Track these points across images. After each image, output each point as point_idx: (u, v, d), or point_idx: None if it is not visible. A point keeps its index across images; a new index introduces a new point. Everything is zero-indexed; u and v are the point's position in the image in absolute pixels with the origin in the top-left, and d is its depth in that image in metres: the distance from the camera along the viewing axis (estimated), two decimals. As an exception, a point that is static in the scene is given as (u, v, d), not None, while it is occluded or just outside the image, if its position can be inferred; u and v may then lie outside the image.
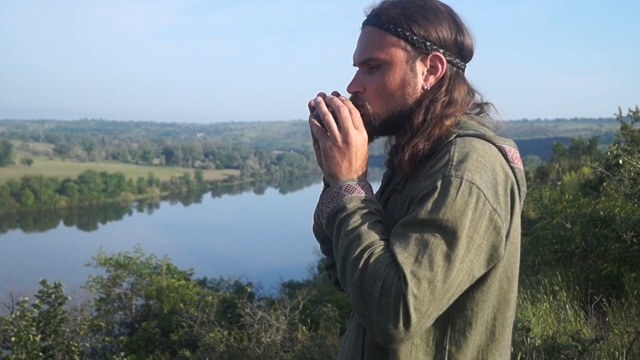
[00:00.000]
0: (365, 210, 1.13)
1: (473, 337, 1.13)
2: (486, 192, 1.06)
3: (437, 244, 1.02)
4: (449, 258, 1.01)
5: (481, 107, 1.27)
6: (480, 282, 1.10)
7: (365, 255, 1.05)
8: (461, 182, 1.05)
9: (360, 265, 1.04)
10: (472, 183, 1.05)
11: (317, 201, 1.35)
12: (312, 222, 1.39)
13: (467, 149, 1.09)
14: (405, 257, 1.01)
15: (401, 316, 0.98)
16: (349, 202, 1.13)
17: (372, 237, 1.08)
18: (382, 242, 1.07)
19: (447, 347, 1.12)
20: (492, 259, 1.07)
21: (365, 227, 1.09)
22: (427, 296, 0.99)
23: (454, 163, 1.07)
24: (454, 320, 1.12)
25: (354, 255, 1.06)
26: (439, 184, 1.06)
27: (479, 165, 1.07)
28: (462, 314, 1.12)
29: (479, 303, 1.12)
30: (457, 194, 1.04)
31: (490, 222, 1.05)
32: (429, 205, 1.05)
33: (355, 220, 1.11)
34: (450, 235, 1.02)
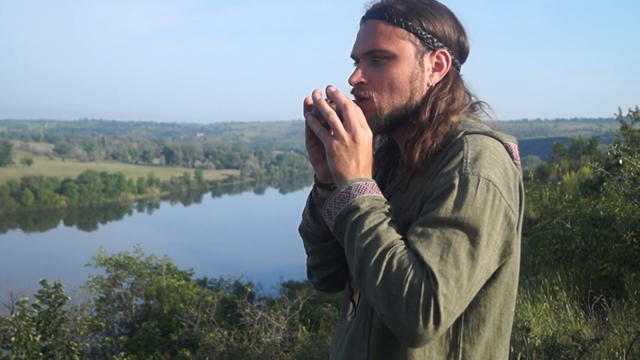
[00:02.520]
0: (380, 210, 1.11)
1: (485, 334, 1.13)
2: (501, 189, 1.06)
3: (460, 242, 1.02)
4: (472, 256, 1.01)
5: (473, 107, 1.27)
6: (492, 278, 1.11)
7: (388, 256, 1.03)
8: (479, 180, 1.05)
9: (383, 267, 1.02)
10: (489, 180, 1.06)
11: (307, 201, 1.33)
12: (303, 221, 1.36)
13: (479, 147, 1.10)
14: (430, 255, 1.01)
15: (431, 316, 0.97)
16: (362, 202, 1.11)
17: (391, 237, 1.06)
18: (402, 242, 1.06)
19: (461, 345, 1.12)
20: (505, 255, 1.08)
21: (382, 227, 1.07)
22: (454, 294, 0.99)
23: (469, 161, 1.07)
24: (467, 318, 1.12)
25: (375, 257, 1.04)
26: (456, 181, 1.06)
27: (492, 163, 1.08)
28: (476, 310, 1.12)
29: (491, 299, 1.12)
30: (476, 191, 1.04)
31: (505, 218, 1.06)
32: (450, 203, 1.04)
33: (371, 220, 1.08)
34: (472, 233, 1.02)
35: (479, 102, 1.28)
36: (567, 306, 4.76)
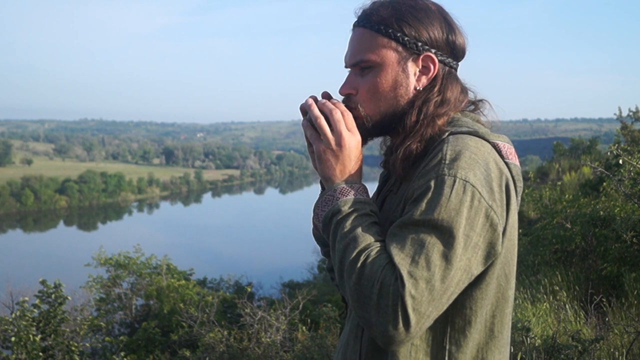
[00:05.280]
0: (360, 212, 1.12)
1: (473, 336, 1.12)
2: (481, 190, 1.05)
3: (434, 244, 1.01)
4: (446, 257, 1.01)
5: (475, 104, 1.26)
6: (478, 280, 1.10)
7: (362, 258, 1.04)
8: (455, 181, 1.04)
9: (357, 268, 1.04)
10: (466, 181, 1.05)
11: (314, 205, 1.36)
12: (312, 225, 1.40)
13: (459, 147, 1.09)
14: (401, 258, 1.01)
15: (400, 317, 0.98)
16: (344, 205, 1.13)
17: (368, 239, 1.07)
18: (379, 244, 1.07)
19: (447, 347, 1.12)
20: (490, 256, 1.07)
21: (360, 229, 1.09)
22: (425, 296, 0.99)
23: (447, 162, 1.07)
24: (453, 320, 1.11)
25: (351, 258, 1.06)
26: (432, 183, 1.06)
27: (472, 163, 1.07)
28: (462, 312, 1.11)
29: (477, 301, 1.11)
30: (451, 192, 1.04)
31: (486, 219, 1.05)
32: (424, 205, 1.04)
33: (351, 222, 1.11)
34: (446, 235, 1.02)
35: (479, 101, 1.27)
36: (567, 306, 4.76)
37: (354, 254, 1.06)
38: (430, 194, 1.05)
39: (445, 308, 1.04)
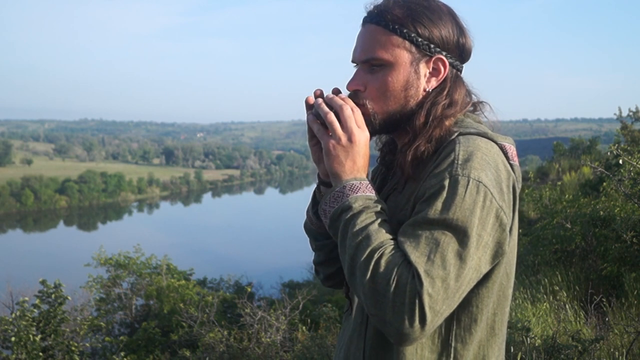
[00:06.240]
0: (372, 210, 1.12)
1: (477, 333, 1.14)
2: (492, 190, 1.07)
3: (449, 243, 1.02)
4: (460, 256, 1.02)
5: (475, 105, 1.27)
6: (485, 279, 1.11)
7: (376, 256, 1.04)
8: (469, 181, 1.05)
9: (371, 266, 1.04)
10: (479, 181, 1.06)
11: (310, 198, 1.35)
12: (307, 219, 1.38)
13: (471, 148, 1.10)
14: (417, 256, 1.02)
15: (417, 315, 0.99)
16: (355, 202, 1.13)
17: (381, 237, 1.07)
18: (392, 242, 1.07)
19: (453, 344, 1.13)
20: (497, 256, 1.09)
21: (373, 226, 1.09)
22: (441, 294, 1.00)
23: (460, 162, 1.08)
24: (459, 317, 1.13)
25: (364, 256, 1.05)
26: (446, 183, 1.06)
27: (484, 164, 1.08)
28: (468, 310, 1.13)
29: (483, 299, 1.13)
30: (465, 192, 1.05)
31: (496, 219, 1.07)
32: (439, 204, 1.05)
33: (363, 219, 1.10)
34: (461, 234, 1.03)
35: (480, 102, 1.28)
36: (567, 306, 4.76)
37: (368, 251, 1.06)
38: (444, 194, 1.06)
39: (456, 306, 1.05)
